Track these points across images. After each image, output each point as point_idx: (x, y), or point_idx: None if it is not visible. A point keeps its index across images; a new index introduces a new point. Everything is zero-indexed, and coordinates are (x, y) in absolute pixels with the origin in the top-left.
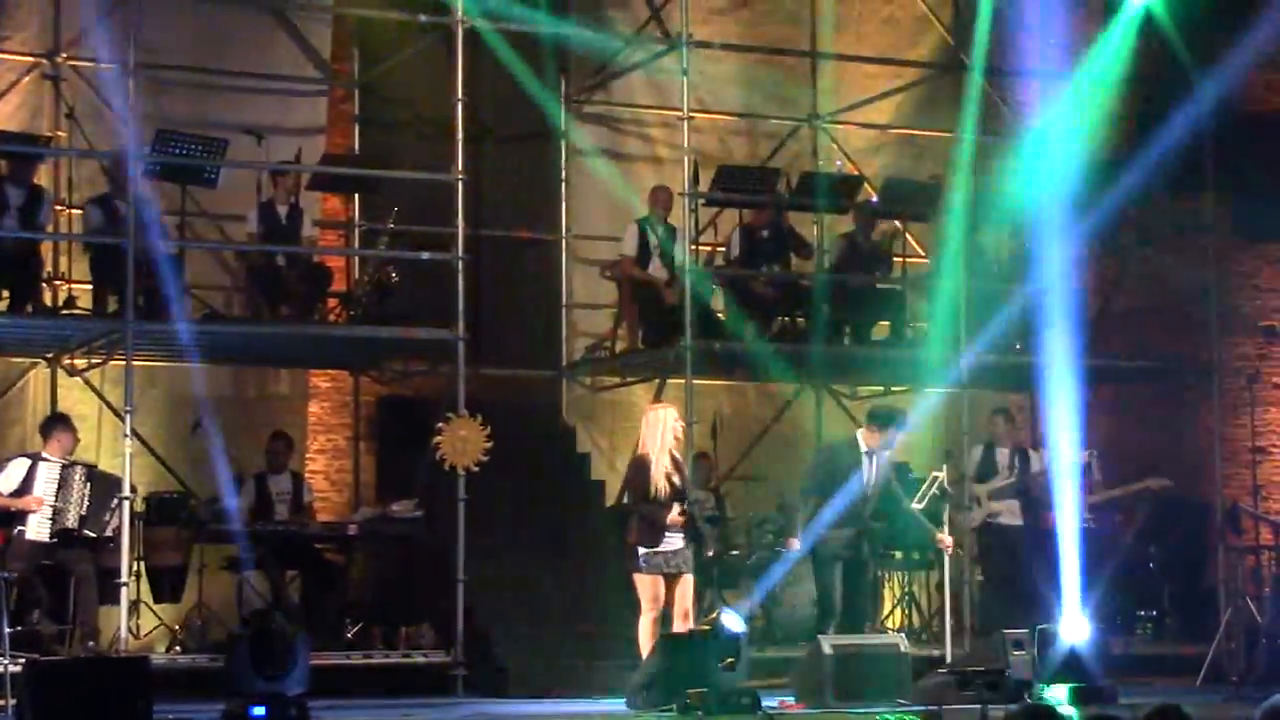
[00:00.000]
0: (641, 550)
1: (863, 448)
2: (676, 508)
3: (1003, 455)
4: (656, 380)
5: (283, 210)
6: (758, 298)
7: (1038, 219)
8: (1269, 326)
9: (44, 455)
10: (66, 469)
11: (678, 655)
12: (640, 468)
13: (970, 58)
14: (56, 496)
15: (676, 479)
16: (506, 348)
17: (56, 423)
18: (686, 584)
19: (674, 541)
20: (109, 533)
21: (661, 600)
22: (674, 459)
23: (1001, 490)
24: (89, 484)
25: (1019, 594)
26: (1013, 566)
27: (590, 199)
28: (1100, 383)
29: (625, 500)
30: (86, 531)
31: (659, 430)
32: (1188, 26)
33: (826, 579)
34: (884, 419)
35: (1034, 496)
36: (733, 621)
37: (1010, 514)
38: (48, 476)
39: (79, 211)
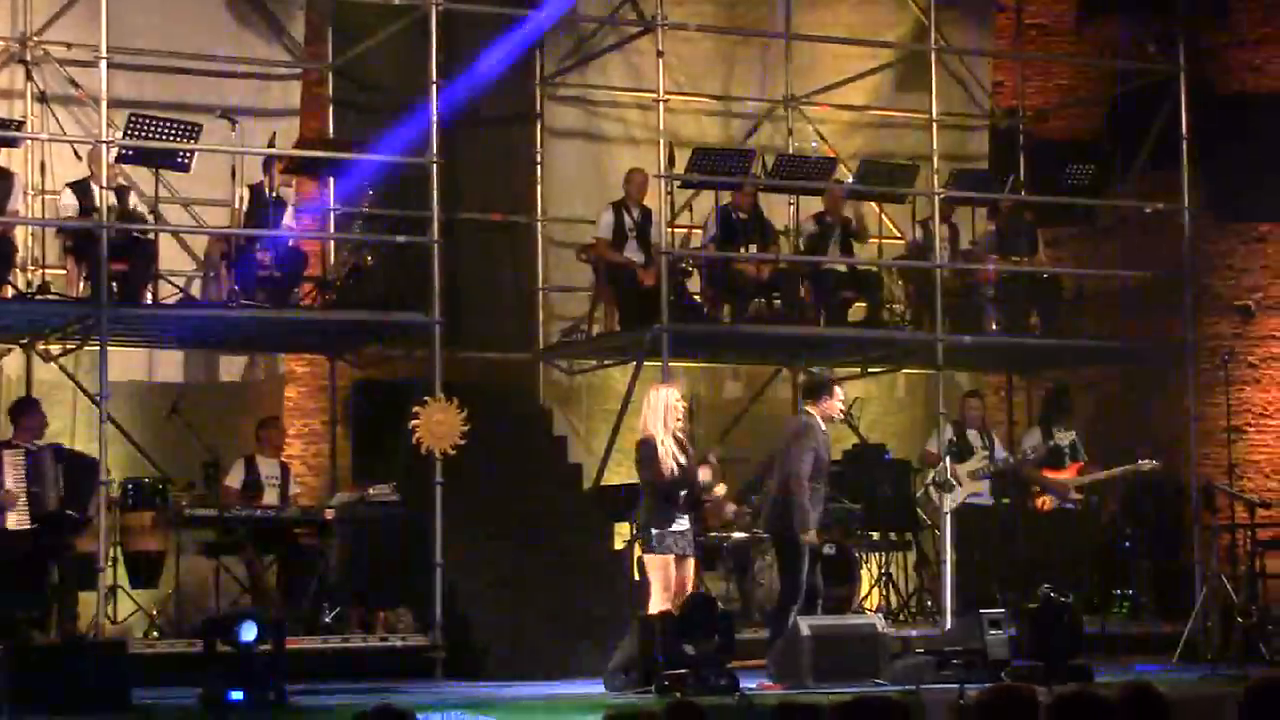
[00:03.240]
0: (654, 531)
1: (820, 426)
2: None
3: (974, 437)
4: (633, 363)
5: (271, 195)
6: (735, 280)
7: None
8: (1244, 306)
9: (11, 442)
10: (34, 454)
11: (656, 637)
12: (650, 448)
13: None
14: (30, 483)
15: (682, 459)
16: (482, 331)
17: (23, 407)
18: (690, 566)
19: (682, 522)
20: (92, 510)
21: (674, 582)
22: (677, 439)
23: (979, 472)
24: (59, 464)
25: (996, 574)
26: (990, 546)
27: (565, 182)
28: (1076, 363)
29: (637, 481)
30: (70, 512)
31: (661, 410)
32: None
33: (798, 565)
34: (819, 388)
35: (1021, 478)
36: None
37: (985, 495)
38: (14, 464)
39: (53, 197)
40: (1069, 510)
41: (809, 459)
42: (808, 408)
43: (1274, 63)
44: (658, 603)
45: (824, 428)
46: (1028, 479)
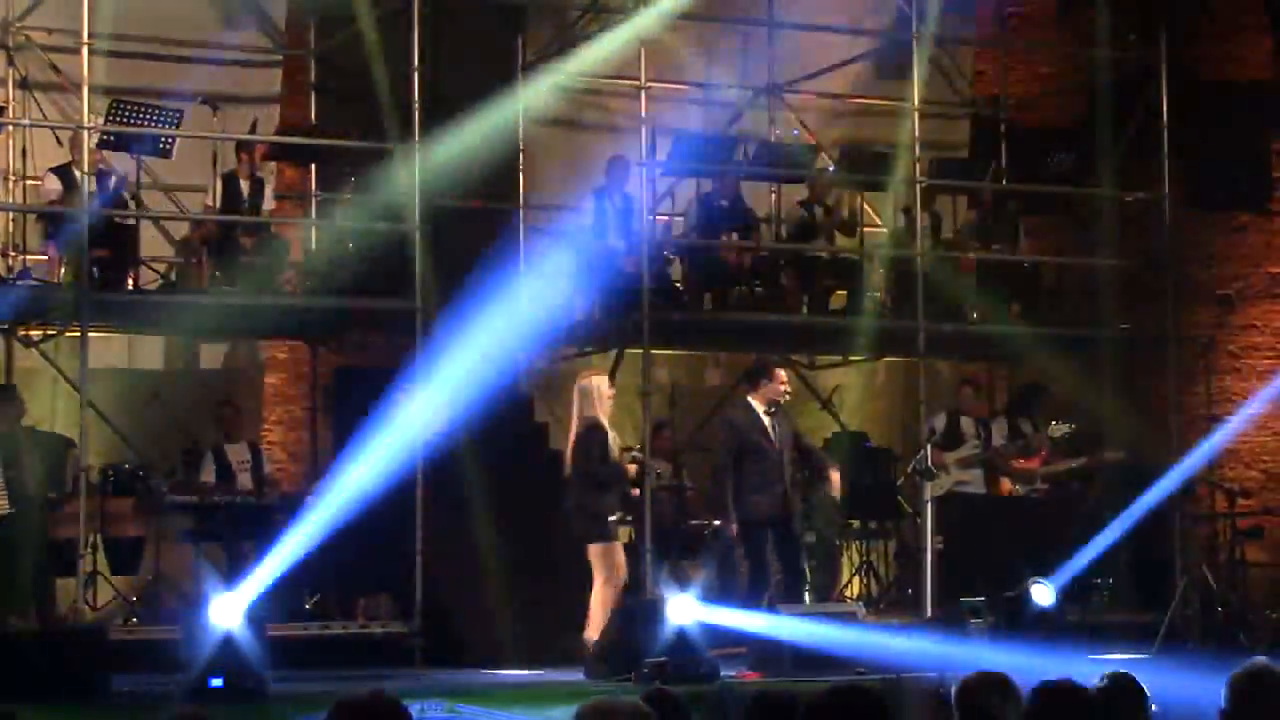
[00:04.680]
0: (604, 518)
1: (759, 410)
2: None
3: (968, 424)
4: (614, 351)
5: (245, 183)
6: (717, 267)
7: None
8: (1224, 295)
9: None
10: (8, 439)
11: (635, 625)
12: (595, 432)
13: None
14: (6, 468)
15: (615, 446)
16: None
17: (2, 394)
18: (622, 552)
19: (616, 509)
20: (69, 486)
21: (624, 567)
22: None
23: (969, 459)
24: (38, 447)
25: (981, 562)
26: (976, 535)
27: (547, 168)
28: (1057, 352)
29: (580, 468)
30: (50, 494)
31: (594, 398)
32: None
33: (757, 545)
34: (755, 373)
35: (1000, 467)
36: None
37: (976, 483)
38: None
39: (34, 182)
40: (1050, 498)
41: (726, 454)
42: (747, 396)
43: (1254, 52)
44: (611, 593)
45: (765, 412)
46: (997, 467)
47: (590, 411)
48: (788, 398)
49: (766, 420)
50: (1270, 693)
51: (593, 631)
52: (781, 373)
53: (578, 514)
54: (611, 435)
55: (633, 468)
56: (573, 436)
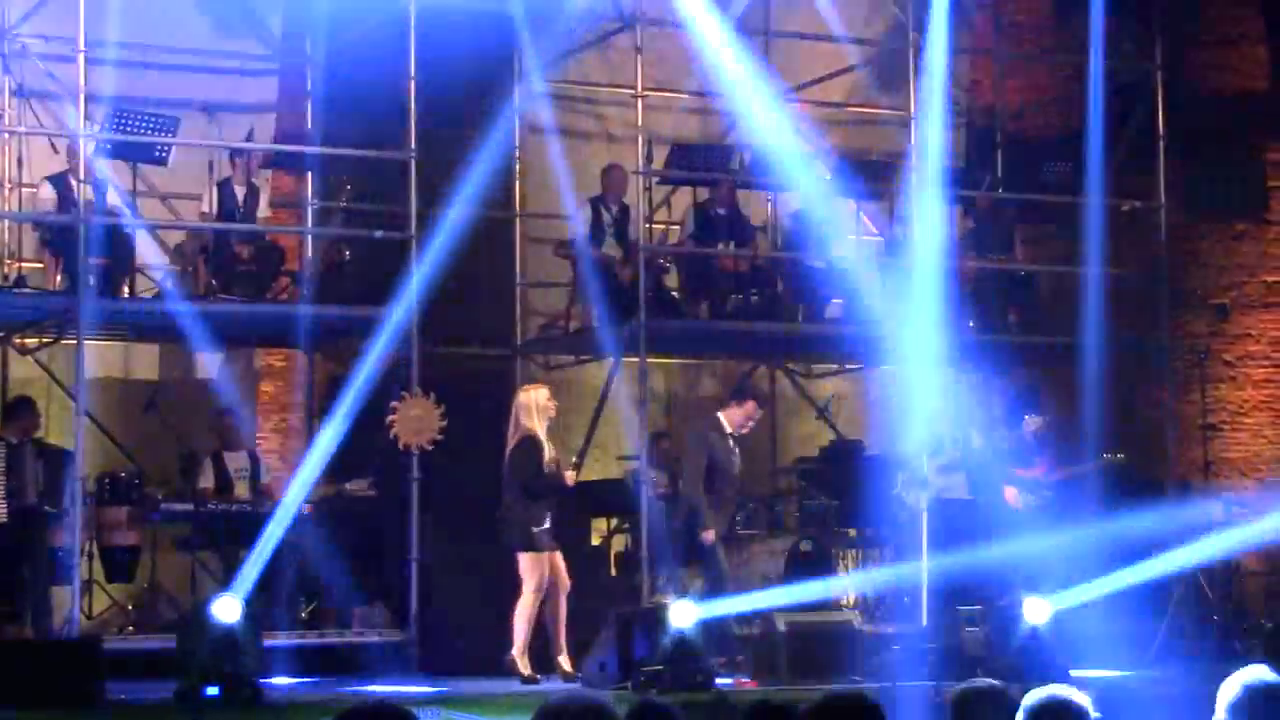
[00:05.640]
0: (534, 529)
1: (727, 429)
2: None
3: (957, 433)
4: (610, 359)
5: (240, 191)
6: (714, 276)
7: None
8: (1220, 304)
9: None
10: (14, 447)
11: (633, 633)
12: (533, 445)
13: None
14: (8, 477)
15: (552, 459)
16: (460, 327)
17: (20, 406)
18: (560, 560)
19: (548, 519)
20: (66, 502)
21: (547, 579)
22: (547, 438)
23: (947, 466)
24: (40, 459)
25: (970, 569)
26: (963, 542)
27: (544, 177)
28: (1051, 360)
29: (515, 479)
30: (48, 508)
31: (533, 411)
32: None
33: (712, 552)
34: (736, 394)
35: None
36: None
37: (958, 489)
38: None
39: (30, 190)
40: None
41: (701, 464)
42: (719, 412)
43: (1249, 62)
44: (532, 602)
45: (729, 432)
46: (1000, 475)
47: (527, 423)
48: (746, 431)
49: (731, 441)
50: (1265, 701)
51: (518, 644)
52: (755, 406)
53: (510, 524)
54: (548, 447)
55: (570, 475)
56: (509, 448)
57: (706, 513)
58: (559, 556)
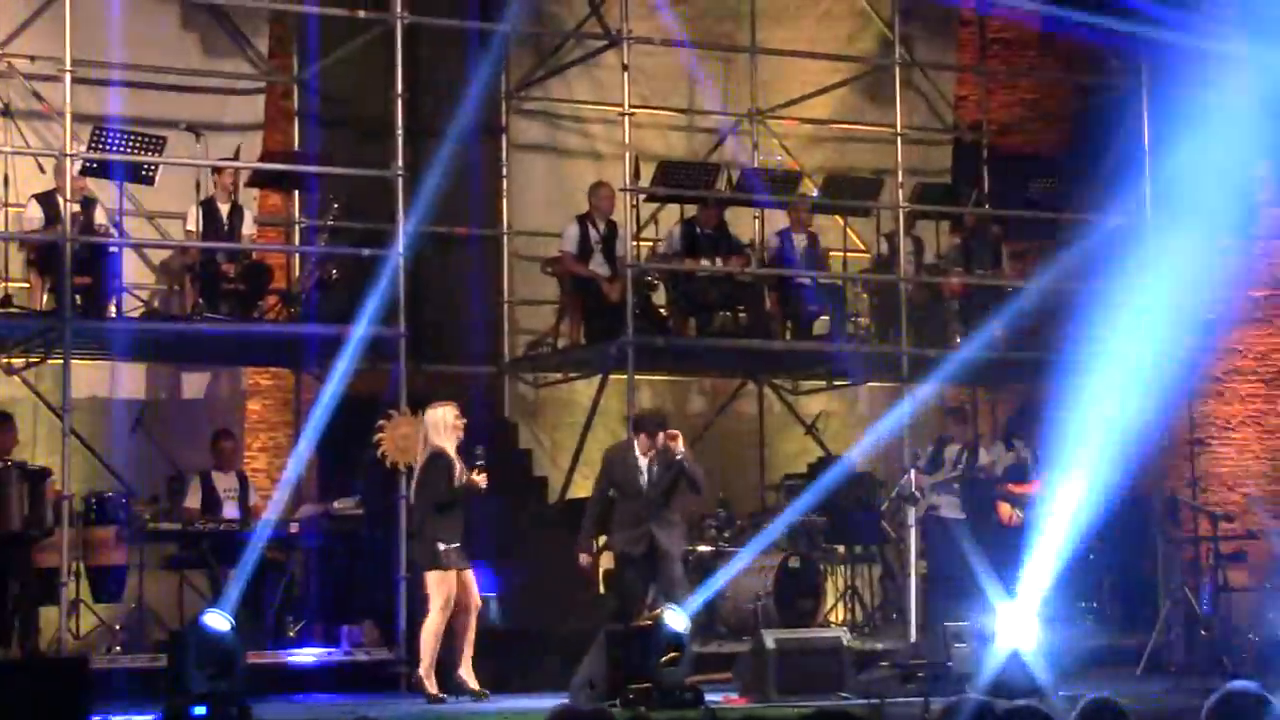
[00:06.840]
0: (441, 546)
1: (636, 452)
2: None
3: (951, 451)
4: (598, 376)
5: (224, 208)
6: (700, 293)
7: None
8: (1206, 320)
9: None
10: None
11: (621, 651)
12: (439, 461)
13: (908, 52)
14: None
15: (461, 473)
16: (448, 344)
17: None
18: (471, 578)
19: (458, 537)
20: (49, 523)
21: (454, 598)
22: (458, 453)
23: (943, 484)
24: (25, 483)
25: (962, 587)
26: (955, 559)
27: (531, 195)
28: (1039, 377)
29: (424, 497)
30: (31, 531)
31: (441, 429)
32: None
33: (623, 577)
34: (641, 423)
35: (978, 491)
36: (675, 620)
37: (951, 507)
38: None
39: (17, 209)
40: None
41: (604, 485)
42: (633, 439)
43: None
44: (440, 620)
45: (640, 455)
46: (994, 493)
47: (436, 440)
48: (678, 456)
49: (643, 462)
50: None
51: (425, 662)
52: (660, 438)
53: (418, 542)
54: (458, 463)
55: (482, 478)
56: (418, 466)
57: (580, 536)
58: (469, 574)
